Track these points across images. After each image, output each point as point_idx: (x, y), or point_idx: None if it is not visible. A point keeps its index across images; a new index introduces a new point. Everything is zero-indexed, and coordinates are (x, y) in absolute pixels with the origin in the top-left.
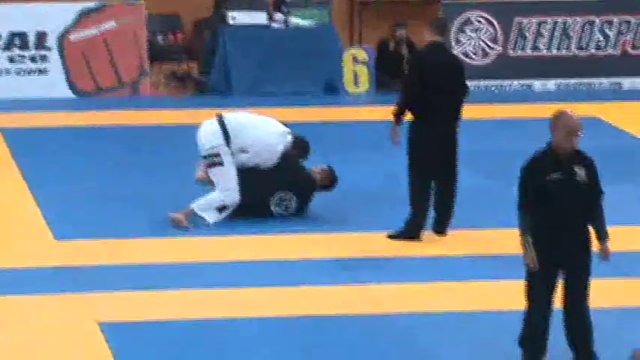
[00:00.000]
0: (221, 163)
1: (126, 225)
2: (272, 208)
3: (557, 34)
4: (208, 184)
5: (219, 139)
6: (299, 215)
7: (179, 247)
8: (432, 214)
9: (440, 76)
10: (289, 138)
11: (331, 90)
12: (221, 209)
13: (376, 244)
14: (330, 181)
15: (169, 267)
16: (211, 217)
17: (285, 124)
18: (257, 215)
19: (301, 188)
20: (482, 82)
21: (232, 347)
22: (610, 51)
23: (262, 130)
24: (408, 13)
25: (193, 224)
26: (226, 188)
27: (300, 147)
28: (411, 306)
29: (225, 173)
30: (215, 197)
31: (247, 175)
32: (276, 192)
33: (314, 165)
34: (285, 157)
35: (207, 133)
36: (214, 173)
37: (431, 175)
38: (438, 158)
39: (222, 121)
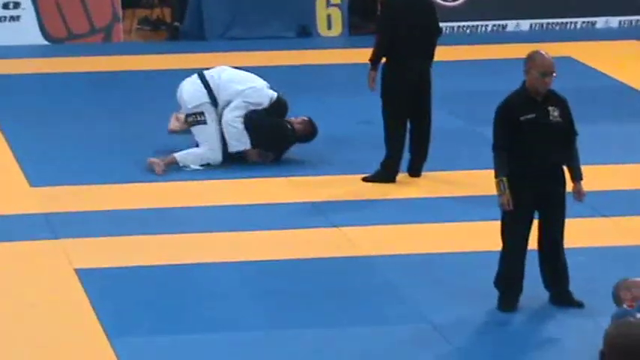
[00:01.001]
0: (204, 122)
1: (101, 171)
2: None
3: None
4: (181, 134)
5: (204, 98)
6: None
7: (155, 193)
8: (406, 155)
9: (411, 18)
10: (272, 92)
11: (304, 33)
12: (203, 165)
13: (351, 187)
14: (310, 132)
15: (146, 212)
16: (194, 168)
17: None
18: (235, 159)
19: (279, 145)
20: (455, 24)
21: (209, 292)
22: None
23: (247, 81)
24: None
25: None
26: (210, 147)
27: (280, 105)
28: (385, 248)
29: (208, 132)
30: (199, 153)
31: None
32: (253, 147)
33: (294, 116)
34: (267, 112)
35: (190, 92)
36: (197, 131)
37: (405, 117)
38: (411, 99)
39: (205, 79)
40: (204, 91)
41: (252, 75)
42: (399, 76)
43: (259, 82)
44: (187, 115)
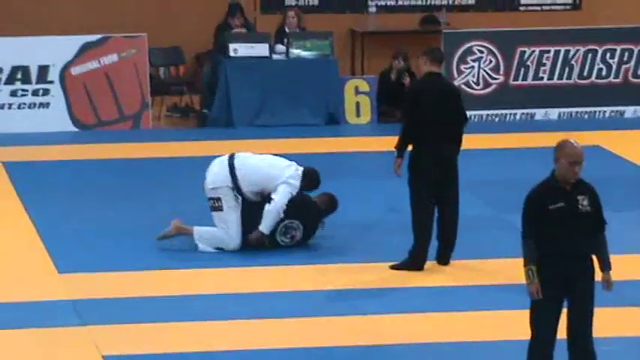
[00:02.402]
0: (220, 208)
1: (129, 257)
2: (278, 237)
3: (559, 63)
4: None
5: (226, 181)
6: (304, 245)
7: (182, 280)
8: (434, 243)
9: (436, 106)
10: (293, 169)
11: (333, 121)
12: (217, 248)
13: (378, 274)
14: (331, 204)
15: (173, 299)
16: (204, 249)
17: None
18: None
19: (307, 216)
20: (484, 112)
21: None
22: (612, 80)
23: (269, 168)
24: (409, 43)
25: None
26: (225, 232)
27: (309, 177)
28: (413, 337)
29: (223, 218)
30: (216, 235)
31: (253, 205)
32: (281, 221)
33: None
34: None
35: (214, 173)
36: (215, 217)
37: (432, 204)
38: (438, 186)
39: (233, 162)
40: (229, 175)
41: (279, 159)
42: (425, 164)
43: (280, 163)
44: (208, 198)
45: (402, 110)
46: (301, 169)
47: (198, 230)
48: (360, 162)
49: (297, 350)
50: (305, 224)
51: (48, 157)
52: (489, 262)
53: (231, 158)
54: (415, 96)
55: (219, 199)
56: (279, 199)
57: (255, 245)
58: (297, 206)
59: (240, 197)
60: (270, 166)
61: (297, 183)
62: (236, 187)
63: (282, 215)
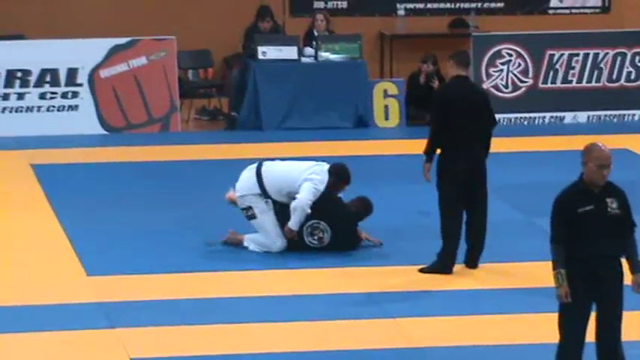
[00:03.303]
0: (254, 216)
1: (158, 260)
2: (305, 239)
3: (587, 66)
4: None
5: (254, 189)
6: (337, 249)
7: (211, 282)
8: (463, 247)
9: (464, 110)
10: (317, 167)
11: (361, 124)
12: (265, 251)
13: (407, 277)
14: (365, 208)
15: (202, 302)
16: (254, 249)
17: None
18: (291, 248)
19: (334, 218)
20: (513, 115)
21: None
22: None
23: (292, 172)
24: (438, 46)
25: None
26: (266, 237)
27: (335, 172)
28: (441, 340)
29: (261, 226)
30: (262, 242)
31: (282, 207)
32: (307, 221)
33: (346, 200)
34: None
35: (243, 180)
36: (254, 225)
37: (461, 208)
38: (466, 190)
39: (260, 171)
40: (256, 183)
41: (304, 162)
42: (454, 167)
43: (304, 165)
44: (241, 209)
45: (429, 114)
46: (327, 166)
47: (247, 238)
48: (389, 165)
49: (325, 353)
50: (332, 226)
51: (76, 160)
52: (518, 265)
53: (260, 166)
54: (443, 100)
55: (250, 208)
56: (303, 195)
57: (289, 239)
58: (323, 207)
59: (270, 200)
60: (293, 170)
61: (321, 177)
62: (264, 194)
63: (308, 211)
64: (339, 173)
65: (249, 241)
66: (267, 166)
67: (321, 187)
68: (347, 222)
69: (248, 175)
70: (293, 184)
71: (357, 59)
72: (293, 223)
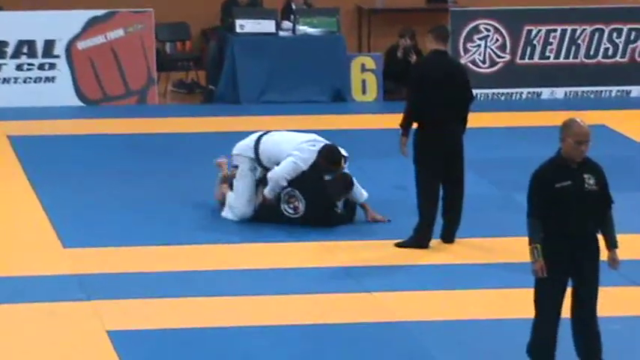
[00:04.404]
0: (235, 175)
1: (134, 233)
2: (282, 205)
3: (565, 42)
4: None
5: (248, 152)
6: (311, 224)
7: (188, 255)
8: (439, 221)
9: (441, 84)
10: (308, 144)
11: (339, 98)
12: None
13: (384, 252)
14: (344, 186)
15: (178, 275)
16: (225, 216)
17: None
18: (269, 219)
19: (309, 191)
20: (491, 91)
21: (242, 356)
22: (618, 59)
23: (285, 144)
24: (416, 21)
25: None
26: (234, 199)
27: (324, 154)
28: (418, 314)
29: (235, 187)
30: (231, 204)
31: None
32: (285, 188)
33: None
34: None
35: (244, 142)
36: (234, 184)
37: (437, 183)
38: (443, 165)
39: (260, 138)
40: (252, 148)
41: (302, 135)
42: (431, 142)
43: (304, 139)
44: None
45: (406, 88)
46: (321, 145)
47: (226, 205)
48: (366, 139)
49: (303, 327)
50: (306, 198)
51: (53, 132)
52: (494, 240)
53: (263, 134)
54: (420, 74)
55: (237, 167)
56: (280, 168)
57: (264, 203)
58: (300, 179)
59: (258, 169)
60: (288, 141)
61: (304, 156)
62: (257, 159)
63: (282, 184)
64: (327, 155)
65: (227, 210)
66: (269, 135)
67: (302, 165)
68: (321, 198)
69: (250, 138)
70: (281, 155)
71: (335, 33)
72: (267, 191)
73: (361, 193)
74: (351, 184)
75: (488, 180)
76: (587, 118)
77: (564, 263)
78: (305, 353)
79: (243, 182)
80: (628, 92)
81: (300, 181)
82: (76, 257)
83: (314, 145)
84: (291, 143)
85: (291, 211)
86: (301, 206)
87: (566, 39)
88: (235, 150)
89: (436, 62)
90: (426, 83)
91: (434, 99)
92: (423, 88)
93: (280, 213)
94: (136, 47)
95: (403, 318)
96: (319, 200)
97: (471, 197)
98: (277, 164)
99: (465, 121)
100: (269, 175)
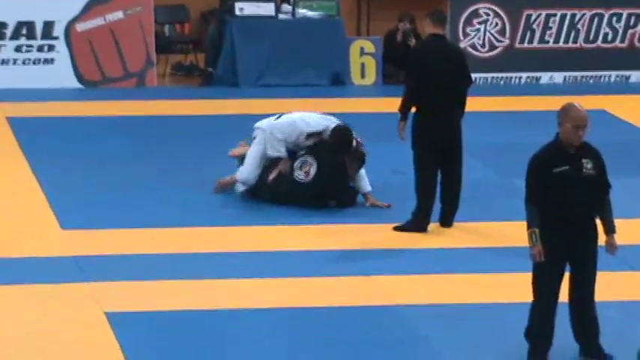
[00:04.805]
0: (252, 144)
1: (133, 215)
2: (295, 173)
3: (565, 26)
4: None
5: (267, 126)
6: (310, 204)
7: (187, 238)
8: (438, 206)
9: (440, 68)
10: (323, 123)
11: (338, 82)
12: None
13: (382, 235)
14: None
15: (177, 257)
16: (239, 187)
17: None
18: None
19: (322, 157)
20: (489, 75)
21: (239, 338)
22: (618, 44)
23: (300, 122)
24: (415, 4)
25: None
26: (246, 160)
27: (335, 134)
28: (417, 298)
29: (249, 153)
30: (241, 170)
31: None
32: (301, 156)
33: None
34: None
35: (267, 118)
36: (251, 144)
37: (436, 167)
38: (442, 149)
39: (283, 114)
40: (272, 122)
41: (322, 116)
42: (429, 126)
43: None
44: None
45: (405, 72)
46: (334, 124)
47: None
48: (365, 123)
49: (300, 310)
50: (319, 160)
51: (52, 113)
52: (492, 224)
53: (284, 114)
54: (418, 58)
55: (255, 137)
56: (278, 121)
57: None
58: (317, 146)
59: None
60: (302, 120)
61: (307, 121)
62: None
63: (279, 137)
64: (338, 136)
65: (239, 184)
66: (292, 113)
67: (303, 126)
68: (334, 164)
69: (275, 116)
70: (294, 134)
71: (335, 17)
72: (269, 149)
73: (366, 183)
74: (363, 160)
75: (486, 164)
76: (587, 103)
77: (562, 248)
78: (302, 335)
79: (257, 148)
80: (627, 77)
81: (316, 148)
82: (74, 239)
83: (327, 120)
84: (307, 123)
85: (302, 176)
86: (312, 170)
87: (566, 24)
88: (258, 124)
89: (435, 46)
90: (425, 68)
91: (432, 83)
92: (422, 72)
93: (294, 184)
94: (134, 29)
95: (400, 301)
96: (331, 166)
97: (469, 182)
98: (292, 143)
99: (463, 105)
100: (248, 152)
